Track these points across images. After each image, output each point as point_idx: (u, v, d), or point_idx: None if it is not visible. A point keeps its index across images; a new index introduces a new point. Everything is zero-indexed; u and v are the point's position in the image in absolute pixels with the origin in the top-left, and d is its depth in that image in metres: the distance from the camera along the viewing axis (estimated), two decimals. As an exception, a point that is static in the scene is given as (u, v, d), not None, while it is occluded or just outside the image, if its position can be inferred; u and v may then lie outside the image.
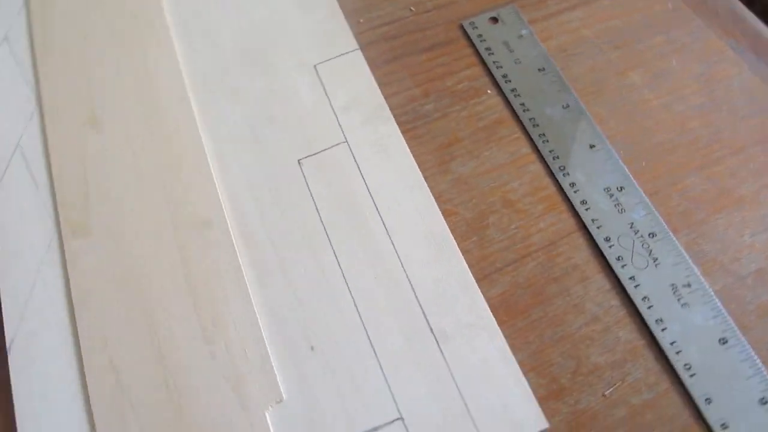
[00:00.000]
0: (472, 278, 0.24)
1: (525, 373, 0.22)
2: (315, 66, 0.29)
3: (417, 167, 0.26)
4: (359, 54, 0.29)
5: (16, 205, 0.25)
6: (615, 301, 0.24)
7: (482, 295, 0.24)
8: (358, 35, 0.29)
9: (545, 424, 0.21)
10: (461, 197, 0.26)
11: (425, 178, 0.26)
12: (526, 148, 0.27)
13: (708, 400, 0.22)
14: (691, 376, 0.22)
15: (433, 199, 0.25)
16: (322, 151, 0.27)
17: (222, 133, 0.27)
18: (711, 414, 0.21)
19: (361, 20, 0.30)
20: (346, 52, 0.29)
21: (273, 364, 0.22)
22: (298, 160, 0.26)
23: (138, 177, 0.26)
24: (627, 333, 0.23)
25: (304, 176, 0.26)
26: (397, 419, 0.22)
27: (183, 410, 0.22)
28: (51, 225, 0.25)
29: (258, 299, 0.24)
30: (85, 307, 0.24)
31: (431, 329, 0.23)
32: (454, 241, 0.25)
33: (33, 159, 0.27)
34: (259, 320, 0.23)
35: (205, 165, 0.26)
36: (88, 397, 0.22)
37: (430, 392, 0.22)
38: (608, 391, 0.22)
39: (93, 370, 0.22)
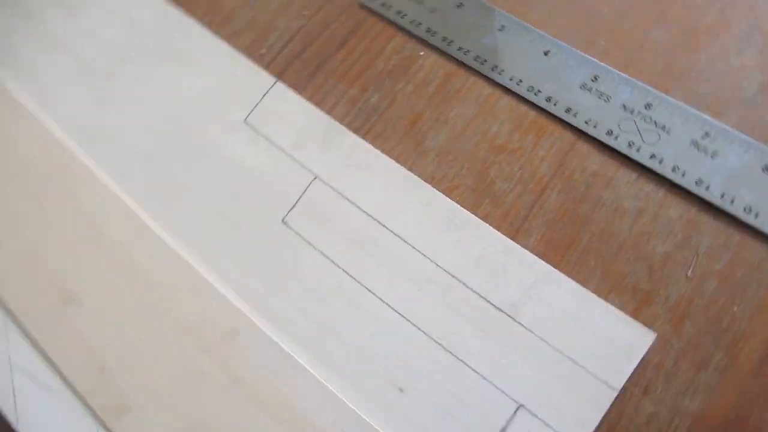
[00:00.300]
0: (507, 239, 0.23)
1: (606, 298, 0.21)
2: (245, 120, 0.27)
3: (396, 163, 0.25)
4: (280, 85, 0.27)
5: (48, 422, 0.23)
6: (648, 186, 0.23)
7: (525, 250, 0.22)
8: (268, 67, 0.27)
9: (652, 335, 0.21)
10: (453, 168, 0.24)
11: (409, 168, 0.24)
12: (487, 89, 0.25)
13: (784, 231, 0.21)
14: (756, 216, 0.21)
15: (429, 185, 0.24)
16: (299, 199, 0.25)
17: (194, 235, 0.25)
18: (794, 242, 0.21)
19: (263, 51, 0.28)
20: (267, 91, 0.27)
21: (374, 425, 0.21)
22: (282, 220, 0.25)
23: (143, 326, 0.24)
24: (676, 209, 0.22)
25: (297, 233, 0.24)
26: (518, 408, 0.21)
27: None
28: (90, 420, 0.23)
29: (323, 374, 0.22)
30: (167, 473, 0.22)
31: (498, 308, 0.22)
32: (470, 213, 0.23)
33: (33, 369, 0.24)
34: (337, 394, 0.22)
35: (198, 276, 0.24)
36: None
37: (531, 367, 0.21)
38: (689, 272, 0.21)
39: None
